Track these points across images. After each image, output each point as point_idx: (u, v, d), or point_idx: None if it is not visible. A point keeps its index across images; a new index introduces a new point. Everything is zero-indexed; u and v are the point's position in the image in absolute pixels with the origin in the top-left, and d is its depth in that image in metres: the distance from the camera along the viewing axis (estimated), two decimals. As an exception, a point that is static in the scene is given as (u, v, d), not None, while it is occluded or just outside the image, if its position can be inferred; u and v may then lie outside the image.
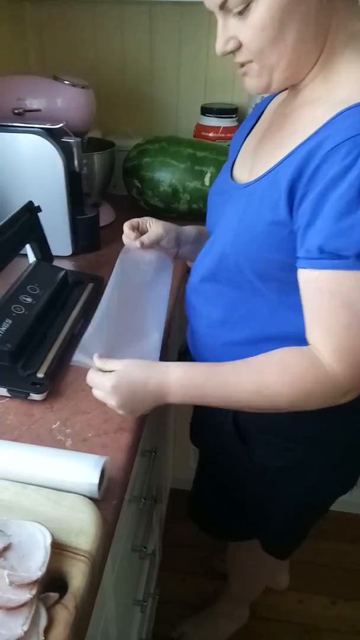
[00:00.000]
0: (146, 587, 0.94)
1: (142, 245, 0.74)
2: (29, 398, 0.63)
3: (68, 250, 1.01)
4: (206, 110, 1.31)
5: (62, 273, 0.84)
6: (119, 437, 0.59)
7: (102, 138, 1.27)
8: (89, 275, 0.91)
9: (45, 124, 0.95)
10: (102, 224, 1.12)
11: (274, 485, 0.79)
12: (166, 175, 1.11)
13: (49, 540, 0.43)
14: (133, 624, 0.89)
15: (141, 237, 0.75)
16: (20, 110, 1.02)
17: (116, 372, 0.59)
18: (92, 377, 0.61)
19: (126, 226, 0.75)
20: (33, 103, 1.02)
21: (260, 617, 1.29)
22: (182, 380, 0.59)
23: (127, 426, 0.61)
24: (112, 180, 1.24)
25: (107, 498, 0.52)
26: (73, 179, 0.96)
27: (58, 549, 0.44)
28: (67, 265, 0.99)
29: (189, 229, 0.81)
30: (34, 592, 0.39)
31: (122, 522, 0.67)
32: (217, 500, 0.90)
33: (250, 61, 0.55)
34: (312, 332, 0.55)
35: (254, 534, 0.91)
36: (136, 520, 0.79)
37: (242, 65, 0.56)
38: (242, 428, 0.74)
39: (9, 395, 0.63)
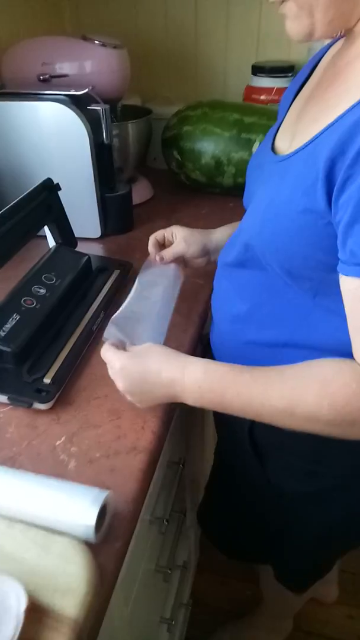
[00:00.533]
0: (176, 601, 0.87)
1: (162, 260, 0.70)
2: (33, 407, 0.55)
3: (96, 232, 0.91)
4: (257, 70, 1.15)
5: (85, 259, 0.75)
6: (131, 460, 0.50)
7: (140, 105, 1.15)
8: (117, 261, 0.82)
9: (71, 90, 0.85)
10: (137, 201, 1.02)
11: (293, 513, 0.68)
12: (209, 146, 0.98)
13: (22, 607, 0.34)
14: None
15: (162, 251, 0.70)
16: (46, 76, 0.92)
17: (131, 352, 0.53)
18: (104, 353, 0.54)
19: (151, 241, 0.72)
20: (59, 67, 0.92)
21: (306, 631, 1.19)
22: (200, 382, 0.49)
23: (142, 446, 0.51)
24: (150, 152, 1.12)
25: (109, 539, 0.43)
26: (101, 152, 0.86)
27: (37, 613, 0.36)
28: (94, 249, 0.90)
29: (221, 233, 0.71)
30: None
31: (140, 545, 0.59)
32: (227, 514, 0.80)
33: None
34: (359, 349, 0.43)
35: (268, 558, 0.80)
36: (160, 540, 0.70)
37: (282, 2, 0.44)
38: (259, 442, 0.63)
39: (9, 403, 0.56)
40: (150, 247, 0.71)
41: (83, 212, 0.89)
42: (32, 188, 0.71)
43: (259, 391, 0.46)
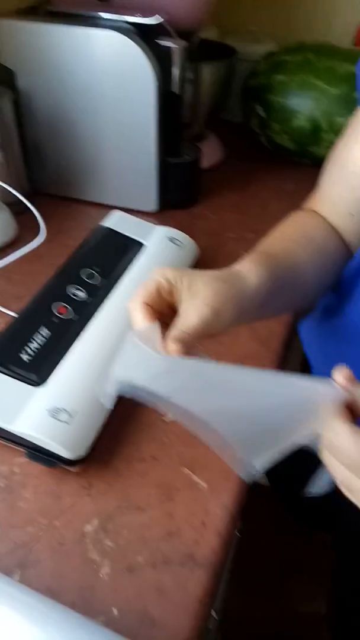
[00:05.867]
0: None
1: (175, 352, 0.33)
2: (56, 466, 0.41)
3: (152, 206, 0.73)
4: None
5: (139, 250, 0.58)
6: (187, 578, 0.36)
7: (218, 41, 0.92)
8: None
9: (137, 16, 0.64)
10: (203, 166, 0.82)
11: None
12: (306, 104, 0.76)
13: None
14: None
15: (169, 333, 0.34)
16: (107, -6, 0.71)
17: None
18: (342, 443, 0.29)
19: (138, 306, 0.35)
20: (125, -18, 0.70)
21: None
22: None
23: (202, 555, 0.37)
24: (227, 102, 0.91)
25: None
26: (169, 105, 0.66)
27: None
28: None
29: (260, 279, 0.38)
30: None
31: None
32: None
33: None
34: None
35: None
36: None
37: None
38: None
39: (28, 459, 0.42)
40: (139, 318, 0.34)
41: (137, 178, 0.71)
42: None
43: None
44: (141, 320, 0.34)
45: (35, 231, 0.61)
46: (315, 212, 0.50)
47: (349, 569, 0.69)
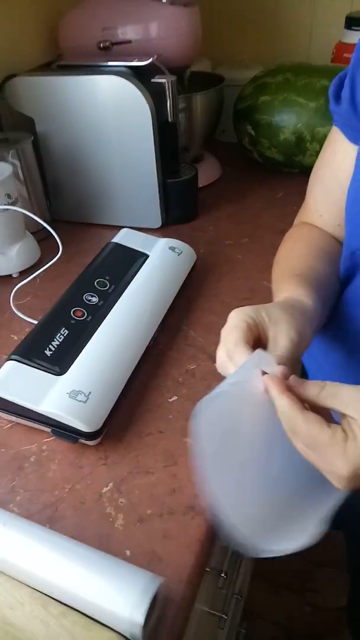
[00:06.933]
0: (230, 628, 0.81)
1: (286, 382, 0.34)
2: (79, 441, 0.48)
3: (156, 222, 0.82)
4: (353, 22, 0.97)
5: (143, 260, 0.66)
6: (189, 524, 0.42)
7: (210, 72, 1.02)
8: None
9: (133, 61, 0.74)
10: (202, 183, 0.91)
11: None
12: (290, 119, 0.84)
13: None
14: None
15: (278, 368, 0.35)
16: (107, 44, 0.81)
17: (354, 446, 0.31)
18: (310, 432, 0.32)
19: (240, 345, 0.36)
20: (122, 32, 0.81)
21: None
22: None
23: (201, 506, 0.43)
24: (220, 124, 0.99)
25: (158, 634, 0.36)
26: (165, 131, 0.75)
27: None
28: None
29: (312, 303, 0.42)
30: None
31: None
32: None
33: None
34: None
35: None
36: (217, 591, 0.63)
37: None
38: None
39: (53, 435, 0.49)
40: (244, 354, 0.36)
41: (143, 200, 0.80)
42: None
43: None
44: (245, 352, 0.35)
45: (56, 253, 0.70)
46: (310, 224, 0.56)
47: None
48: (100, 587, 0.35)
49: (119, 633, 0.34)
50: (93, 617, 0.35)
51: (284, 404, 0.33)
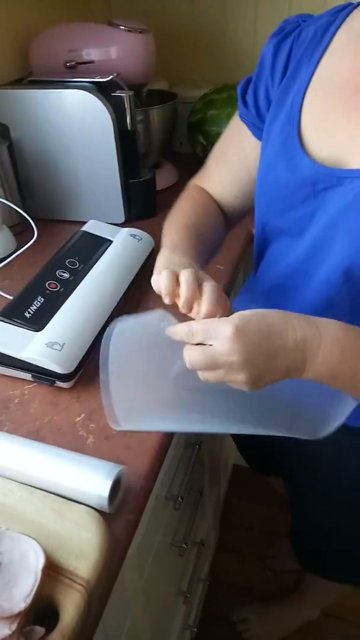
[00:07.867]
0: (193, 576, 0.90)
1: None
2: (55, 385, 0.58)
3: (120, 218, 0.93)
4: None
5: (107, 245, 0.77)
6: (146, 439, 0.52)
7: (166, 90, 1.16)
8: (139, 245, 0.83)
9: (96, 78, 0.86)
10: (161, 186, 1.03)
11: None
12: (233, 130, 0.97)
13: (41, 564, 0.37)
14: (176, 613, 0.86)
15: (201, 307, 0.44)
16: (73, 63, 0.94)
17: (237, 315, 0.39)
18: (199, 333, 0.40)
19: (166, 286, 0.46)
20: (86, 54, 0.93)
21: (328, 614, 1.20)
22: (343, 340, 0.39)
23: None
24: (177, 136, 1.13)
25: (122, 511, 0.46)
26: (125, 138, 0.87)
27: (54, 571, 0.39)
28: (118, 234, 0.92)
29: (197, 248, 0.57)
30: (14, 627, 0.34)
31: (155, 519, 0.62)
32: (330, 544, 0.80)
33: None
34: None
35: None
36: (176, 516, 0.73)
37: None
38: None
39: (33, 381, 0.59)
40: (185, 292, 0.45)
41: (107, 198, 0.91)
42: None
43: None
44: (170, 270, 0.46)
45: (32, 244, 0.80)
46: (203, 189, 0.67)
47: (299, 501, 0.83)
48: (74, 474, 0.45)
49: (90, 506, 0.44)
50: (71, 497, 0.44)
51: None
